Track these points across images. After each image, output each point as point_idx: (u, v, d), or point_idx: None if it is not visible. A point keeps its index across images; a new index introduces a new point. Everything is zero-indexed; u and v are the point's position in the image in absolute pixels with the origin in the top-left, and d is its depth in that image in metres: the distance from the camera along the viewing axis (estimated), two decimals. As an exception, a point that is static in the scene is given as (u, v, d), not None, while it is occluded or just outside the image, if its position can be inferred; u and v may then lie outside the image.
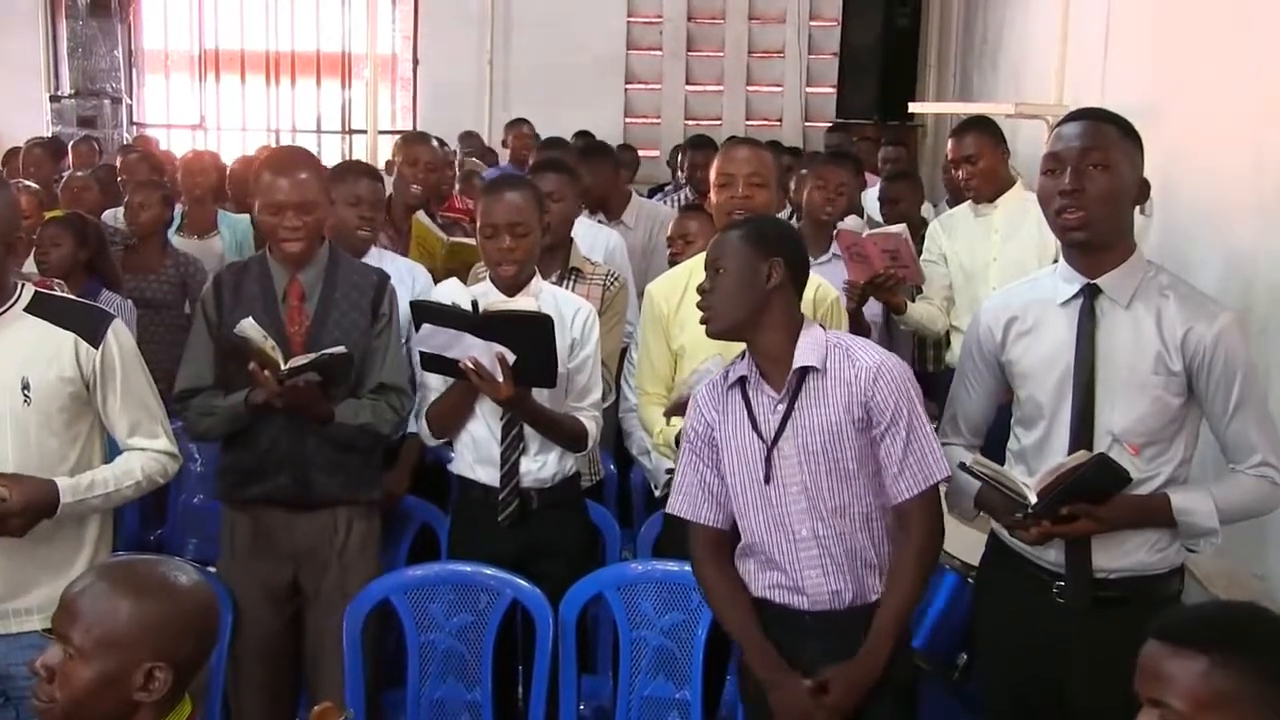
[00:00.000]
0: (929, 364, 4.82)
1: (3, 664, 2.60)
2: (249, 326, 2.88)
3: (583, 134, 7.77)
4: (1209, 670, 1.55)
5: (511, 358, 2.92)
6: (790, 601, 2.52)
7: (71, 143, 8.09)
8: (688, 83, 10.21)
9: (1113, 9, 5.31)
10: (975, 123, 4.51)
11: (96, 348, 2.62)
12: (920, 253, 4.35)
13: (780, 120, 10.06)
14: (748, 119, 10.03)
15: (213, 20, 10.52)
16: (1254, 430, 2.42)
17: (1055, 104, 5.55)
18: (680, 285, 3.27)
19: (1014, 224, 4.28)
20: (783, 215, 5.02)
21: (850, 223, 4.70)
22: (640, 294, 3.65)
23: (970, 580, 2.98)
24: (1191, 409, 2.45)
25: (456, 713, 3.05)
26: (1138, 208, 2.54)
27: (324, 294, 3.07)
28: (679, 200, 6.10)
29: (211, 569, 3.13)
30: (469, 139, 8.69)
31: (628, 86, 10.17)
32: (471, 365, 2.93)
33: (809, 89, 10.05)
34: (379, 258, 3.64)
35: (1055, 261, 2.64)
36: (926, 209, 6.01)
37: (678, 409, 3.02)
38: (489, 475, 3.18)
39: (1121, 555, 2.44)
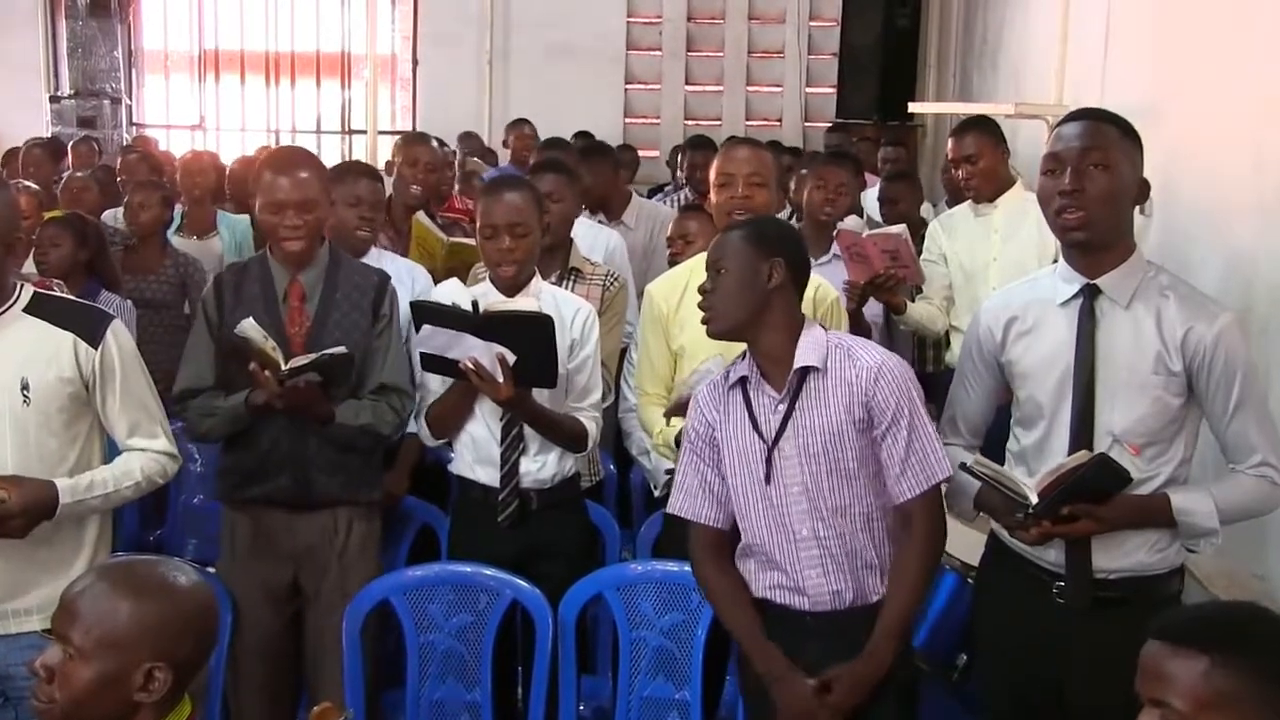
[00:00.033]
0: (929, 364, 4.82)
1: (2, 664, 2.60)
2: (249, 327, 2.87)
3: (582, 134, 7.76)
4: (1210, 670, 1.55)
5: (512, 358, 2.92)
6: (791, 602, 2.52)
7: (71, 143, 8.08)
8: (687, 83, 10.21)
9: (1113, 9, 5.31)
10: (975, 122, 4.51)
11: (96, 348, 2.62)
12: (920, 253, 4.35)
13: (780, 120, 10.06)
14: (747, 119, 10.03)
15: (212, 20, 10.52)
16: (1254, 430, 2.42)
17: (1055, 104, 5.55)
18: (680, 285, 3.27)
19: (1014, 224, 4.28)
20: (783, 215, 5.02)
21: (850, 223, 4.70)
22: (640, 294, 3.65)
23: (970, 580, 2.98)
24: (1191, 409, 2.45)
25: (456, 713, 3.05)
26: (1138, 208, 2.54)
27: (325, 294, 3.07)
28: (679, 200, 6.10)
29: (211, 569, 3.13)
30: (468, 139, 8.69)
31: (627, 86, 10.17)
32: (471, 365, 2.93)
33: (809, 89, 10.05)
34: (379, 258, 3.63)
35: (1055, 261, 2.64)
36: (926, 209, 6.02)
37: (678, 409, 3.02)
38: (489, 476, 3.17)
39: (1121, 555, 2.44)
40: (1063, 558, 2.46)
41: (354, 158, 8.77)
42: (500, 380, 2.92)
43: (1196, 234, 4.15)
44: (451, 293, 3.20)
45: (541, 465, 3.18)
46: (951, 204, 5.37)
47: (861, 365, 2.46)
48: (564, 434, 3.16)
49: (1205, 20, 4.30)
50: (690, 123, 9.95)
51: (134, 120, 10.28)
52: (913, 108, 8.03)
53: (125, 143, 9.17)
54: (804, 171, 5.10)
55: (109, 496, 2.65)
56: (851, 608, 2.50)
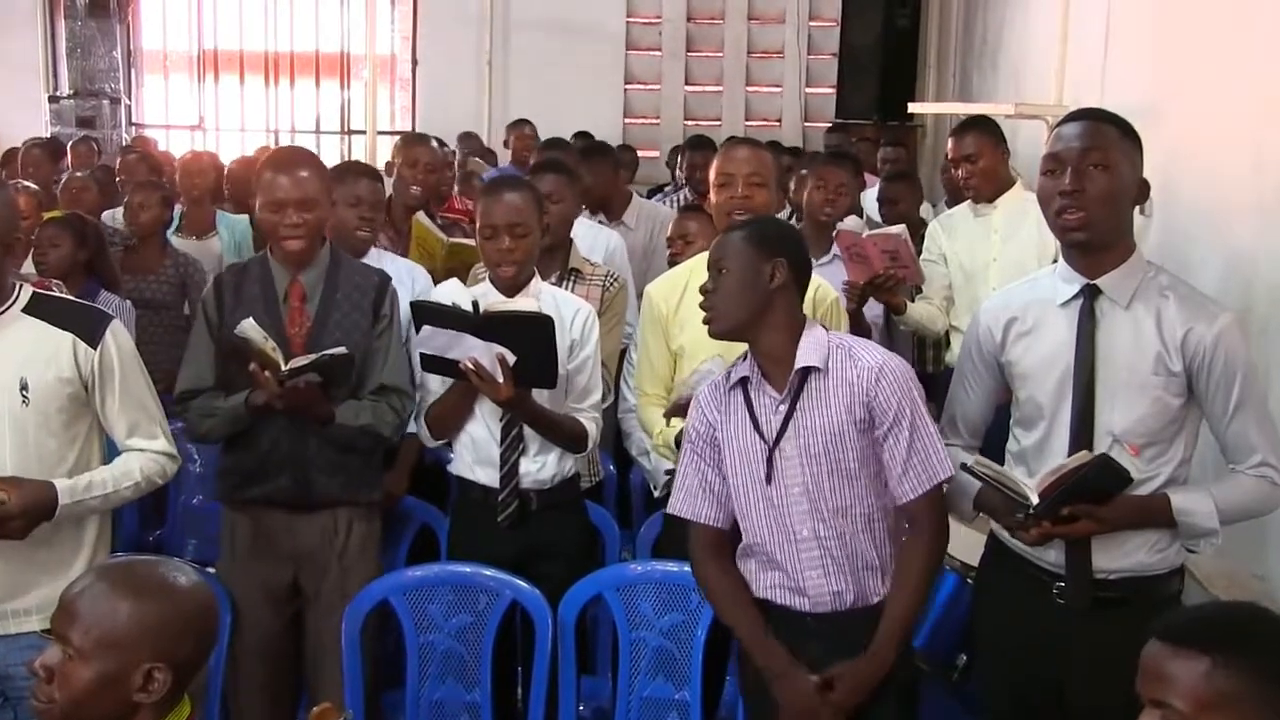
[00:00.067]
0: (928, 364, 4.82)
1: (2, 664, 2.59)
2: (249, 327, 2.87)
3: (582, 134, 7.76)
4: (1211, 671, 1.55)
5: (512, 358, 2.91)
6: (791, 603, 2.52)
7: (70, 143, 8.08)
8: (687, 83, 10.21)
9: (1113, 9, 5.31)
10: (976, 122, 4.51)
11: (95, 348, 2.62)
12: (920, 253, 4.35)
13: (780, 120, 10.06)
14: (747, 119, 10.03)
15: (211, 21, 10.52)
16: (1254, 430, 2.42)
17: (1055, 104, 5.55)
18: (679, 285, 3.27)
19: (1014, 224, 4.28)
20: (782, 215, 5.01)
21: (850, 223, 4.70)
22: (641, 295, 3.65)
23: (970, 581, 2.98)
24: (1191, 409, 2.45)
25: (456, 713, 3.05)
26: (1138, 208, 2.54)
27: (325, 295, 3.07)
28: (678, 201, 6.10)
29: (211, 570, 3.12)
30: (468, 139, 8.69)
31: (627, 87, 10.17)
32: (471, 366, 2.93)
33: (808, 89, 10.05)
34: (378, 259, 3.63)
35: (1055, 262, 2.64)
36: (925, 209, 6.02)
37: (678, 410, 3.02)
38: (488, 476, 3.17)
39: (1121, 556, 2.44)
40: (1063, 558, 2.46)
41: (353, 158, 8.77)
42: (500, 381, 2.92)
43: (1196, 234, 4.15)
44: (451, 293, 3.20)
45: (541, 466, 3.18)
46: (951, 204, 5.37)
47: (863, 365, 2.46)
48: (564, 435, 3.16)
49: (1205, 20, 4.30)
50: (690, 123, 9.95)
51: (133, 120, 10.28)
52: (912, 108, 8.03)
53: (124, 143, 9.17)
54: (804, 172, 5.10)
55: (108, 497, 2.65)
56: (852, 608, 2.49)
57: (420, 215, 4.42)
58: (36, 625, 2.57)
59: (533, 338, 2.91)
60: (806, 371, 2.47)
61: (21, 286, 2.64)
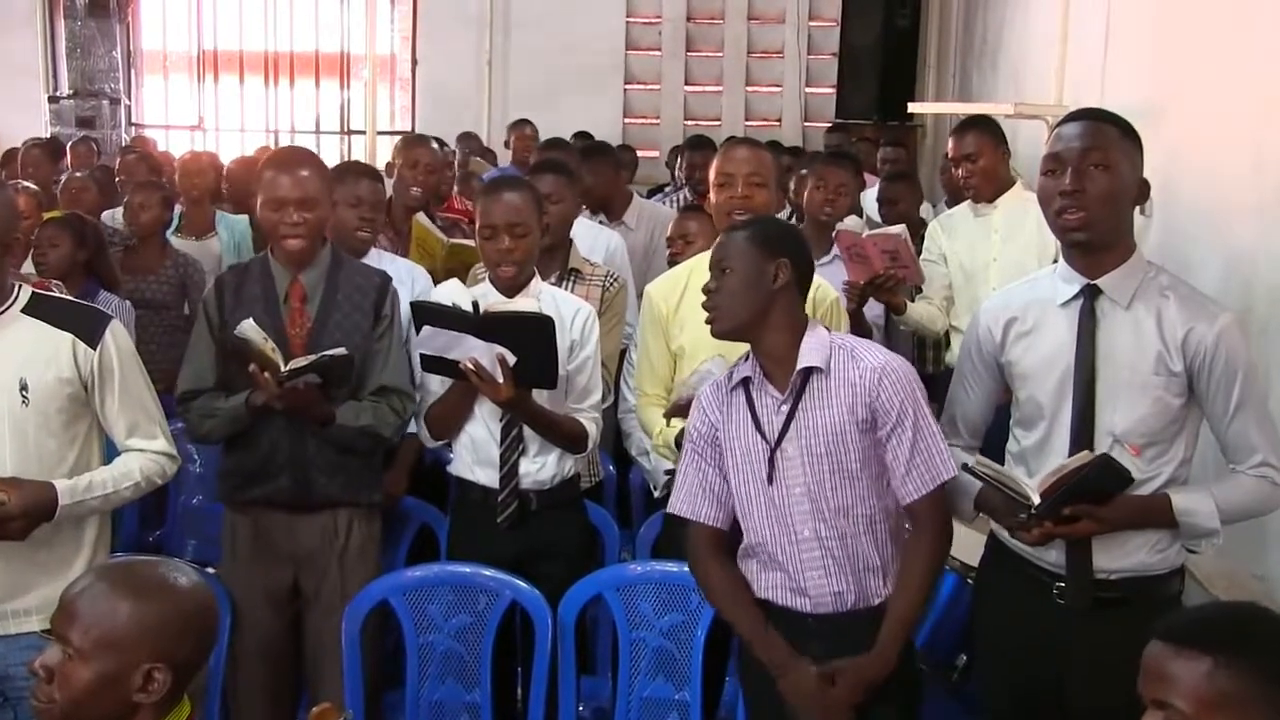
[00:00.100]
0: (928, 364, 4.81)
1: (2, 665, 2.59)
2: (249, 328, 2.87)
3: (581, 134, 7.76)
4: (1213, 671, 1.55)
5: (512, 359, 2.91)
6: (792, 603, 2.52)
7: (70, 143, 8.08)
8: (687, 83, 10.21)
9: (1113, 9, 5.31)
10: (976, 121, 4.51)
11: (94, 349, 2.61)
12: (920, 253, 4.35)
13: (779, 120, 10.06)
14: (747, 119, 10.03)
15: (211, 21, 10.53)
16: (1254, 431, 2.42)
17: (1055, 104, 5.55)
18: (679, 285, 3.27)
19: (1014, 224, 4.28)
20: (782, 215, 5.01)
21: (850, 223, 4.70)
22: (641, 295, 3.65)
23: (970, 581, 2.98)
24: (1192, 409, 2.45)
25: (455, 714, 3.05)
26: (1138, 208, 2.54)
27: (326, 295, 3.07)
28: (678, 201, 6.10)
29: (211, 570, 3.12)
30: (467, 139, 8.69)
31: (627, 87, 10.18)
32: (471, 366, 2.93)
33: (808, 89, 10.05)
34: (378, 259, 3.63)
35: (1055, 262, 2.64)
36: (925, 209, 6.02)
37: (678, 410, 3.02)
38: (488, 477, 3.17)
39: (1122, 556, 2.44)
40: (1063, 558, 2.46)
41: (353, 158, 8.77)
42: (500, 381, 2.92)
43: (1196, 234, 4.15)
44: (451, 293, 3.19)
45: (541, 466, 3.18)
46: (951, 204, 5.37)
47: (865, 366, 2.46)
48: (564, 435, 3.16)
49: (1205, 20, 4.30)
50: (690, 123, 9.95)
51: (133, 120, 10.28)
52: (912, 108, 8.03)
53: (124, 143, 9.17)
54: (804, 171, 5.09)
55: (108, 497, 2.65)
56: (853, 609, 2.49)
57: (420, 216, 4.42)
58: (36, 625, 2.57)
59: (533, 338, 2.91)
60: (809, 372, 2.47)
61: (21, 287, 2.64)
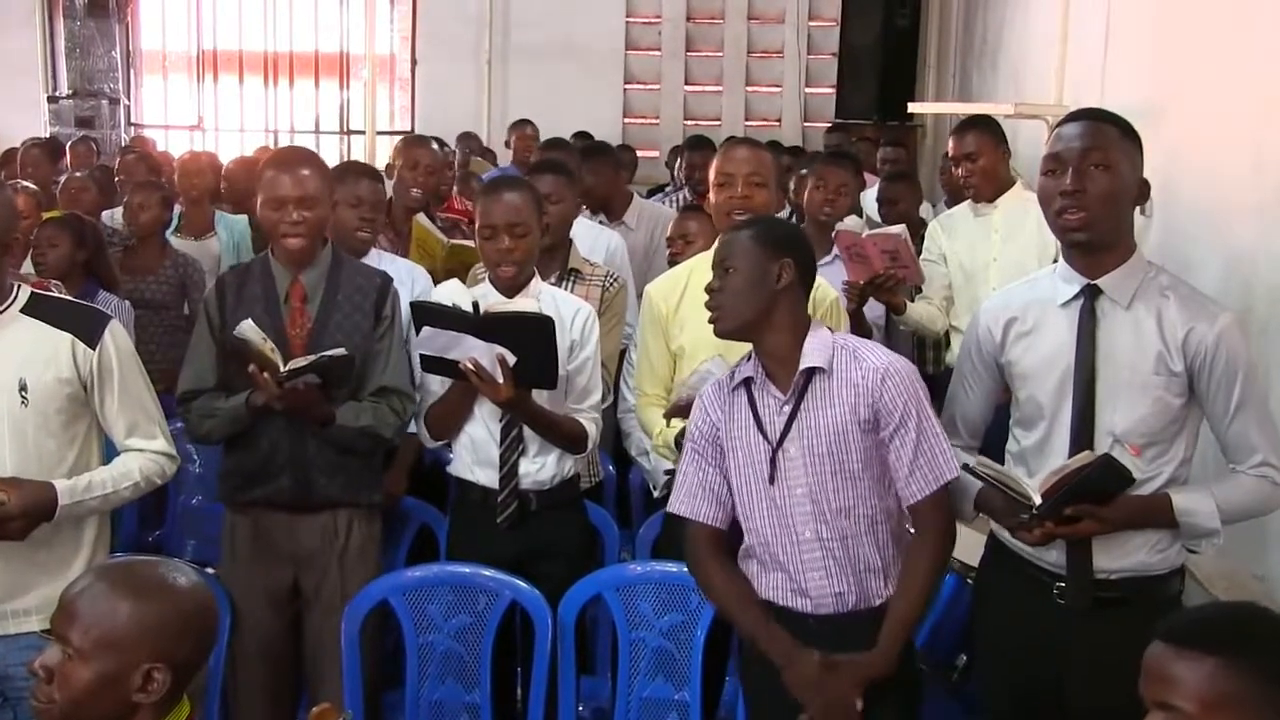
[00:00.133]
0: (929, 364, 4.81)
1: (1, 665, 2.59)
2: (248, 328, 2.87)
3: (581, 134, 7.76)
4: (1215, 671, 1.55)
5: (512, 359, 2.91)
6: (793, 604, 2.52)
7: (69, 143, 8.08)
8: (686, 83, 10.21)
9: (1113, 9, 5.31)
10: (977, 121, 4.51)
11: (94, 349, 2.61)
12: (920, 253, 4.35)
13: (779, 120, 10.06)
14: (747, 119, 10.03)
15: (210, 21, 10.52)
16: (1255, 430, 2.42)
17: (1055, 104, 5.55)
18: (679, 285, 3.27)
19: (1014, 224, 4.27)
20: (782, 215, 5.01)
21: (850, 223, 4.70)
22: (641, 295, 3.65)
23: (970, 581, 2.98)
24: (1192, 409, 2.45)
25: (455, 714, 3.05)
26: (1138, 208, 2.54)
27: (326, 296, 3.07)
28: (678, 201, 6.09)
29: (210, 570, 3.12)
30: (468, 139, 8.69)
31: (626, 86, 10.18)
32: (471, 366, 2.93)
33: (808, 89, 10.05)
34: (378, 259, 3.63)
35: (1055, 262, 2.64)
36: (925, 209, 6.02)
37: (678, 411, 3.02)
38: (488, 477, 3.17)
39: (1122, 556, 2.43)
40: (1063, 558, 2.46)
41: (353, 158, 8.76)
42: (500, 381, 2.92)
43: (1196, 234, 4.15)
44: (451, 294, 3.19)
45: (541, 466, 3.17)
46: (951, 204, 5.36)
47: (868, 367, 2.45)
48: (563, 435, 3.16)
49: (1205, 20, 4.30)
50: (689, 123, 9.96)
51: (132, 120, 10.28)
52: (912, 108, 8.03)
53: (123, 143, 9.17)
54: (804, 171, 5.09)
55: (108, 497, 2.65)
56: (854, 610, 2.49)
57: (420, 216, 4.42)
58: (36, 625, 2.57)
59: (533, 338, 2.91)
60: (811, 372, 2.47)
61: (20, 287, 2.64)
